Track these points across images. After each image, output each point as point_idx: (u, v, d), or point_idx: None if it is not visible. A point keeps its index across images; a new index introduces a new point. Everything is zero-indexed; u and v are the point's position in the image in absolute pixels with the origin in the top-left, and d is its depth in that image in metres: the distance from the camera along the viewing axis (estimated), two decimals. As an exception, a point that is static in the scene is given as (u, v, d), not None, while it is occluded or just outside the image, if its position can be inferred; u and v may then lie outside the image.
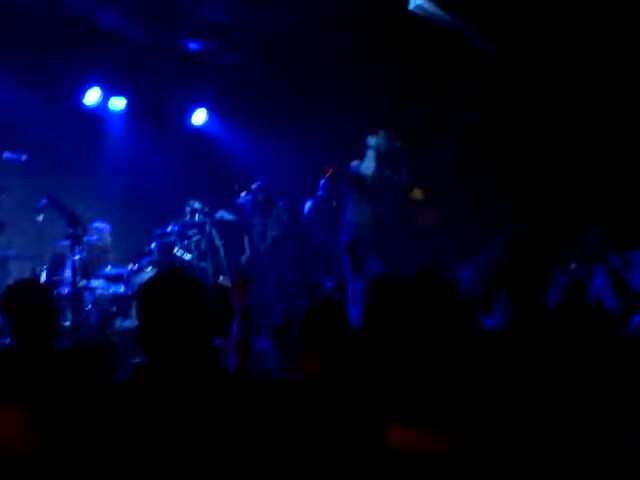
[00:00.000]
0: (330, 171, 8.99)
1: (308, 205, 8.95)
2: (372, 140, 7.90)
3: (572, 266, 5.22)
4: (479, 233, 8.53)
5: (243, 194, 9.19)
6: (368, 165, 7.82)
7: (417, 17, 6.78)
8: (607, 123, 8.10)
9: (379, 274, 4.98)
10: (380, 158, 7.90)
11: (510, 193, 8.96)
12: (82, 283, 7.12)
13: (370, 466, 1.87)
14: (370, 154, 7.88)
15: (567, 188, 8.54)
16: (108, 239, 8.09)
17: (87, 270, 7.23)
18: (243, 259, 8.48)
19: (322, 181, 8.93)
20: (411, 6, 6.62)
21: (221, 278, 5.57)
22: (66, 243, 6.74)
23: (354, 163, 7.83)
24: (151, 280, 2.71)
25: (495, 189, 8.99)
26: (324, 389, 2.81)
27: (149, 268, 7.75)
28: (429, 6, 6.64)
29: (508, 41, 7.68)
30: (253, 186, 8.50)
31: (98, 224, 8.06)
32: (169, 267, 5.87)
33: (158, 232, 8.35)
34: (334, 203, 9.25)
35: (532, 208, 8.56)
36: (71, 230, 6.59)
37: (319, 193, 8.95)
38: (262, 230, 8.50)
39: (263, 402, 2.51)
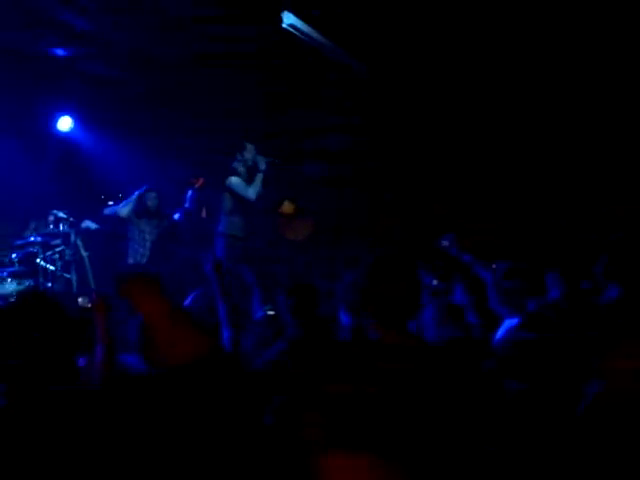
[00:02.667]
0: (200, 182, 8.97)
1: (176, 217, 8.89)
2: (241, 154, 7.93)
3: (434, 282, 5.38)
4: (348, 247, 8.74)
5: (110, 203, 9.01)
6: (237, 179, 7.84)
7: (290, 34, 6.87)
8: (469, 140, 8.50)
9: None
10: (249, 172, 7.94)
11: (377, 208, 9.24)
12: None
13: None
14: (240, 168, 7.90)
15: (433, 203, 8.90)
16: None
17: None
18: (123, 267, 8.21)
19: (189, 193, 8.90)
20: (284, 24, 6.70)
21: (80, 300, 5.45)
22: None
23: (233, 179, 7.83)
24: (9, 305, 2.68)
25: (365, 203, 9.24)
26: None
27: (9, 279, 7.48)
28: (301, 25, 6.75)
29: (376, 65, 7.94)
30: (138, 192, 8.29)
31: None
32: (29, 290, 5.59)
33: (19, 242, 8.06)
34: (203, 214, 9.22)
35: (399, 222, 8.86)
36: None
37: (186, 205, 8.92)
38: (143, 238, 8.30)
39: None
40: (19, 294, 3.25)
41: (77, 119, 9.39)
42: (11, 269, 7.62)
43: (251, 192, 7.81)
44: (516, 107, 8.15)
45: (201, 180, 9.00)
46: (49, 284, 7.97)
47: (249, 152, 7.96)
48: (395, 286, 2.73)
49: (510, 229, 8.21)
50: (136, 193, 8.30)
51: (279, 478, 2.11)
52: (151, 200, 8.24)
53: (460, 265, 5.59)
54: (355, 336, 4.35)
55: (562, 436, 2.64)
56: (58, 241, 8.40)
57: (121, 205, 8.36)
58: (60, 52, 8.05)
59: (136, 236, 8.20)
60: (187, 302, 4.99)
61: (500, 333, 4.15)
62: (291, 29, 6.79)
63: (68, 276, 8.42)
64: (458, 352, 3.65)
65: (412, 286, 2.82)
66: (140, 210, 8.22)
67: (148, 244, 8.23)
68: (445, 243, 5.93)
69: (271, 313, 5.76)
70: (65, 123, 9.34)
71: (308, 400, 1.77)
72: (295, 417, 2.08)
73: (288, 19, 6.70)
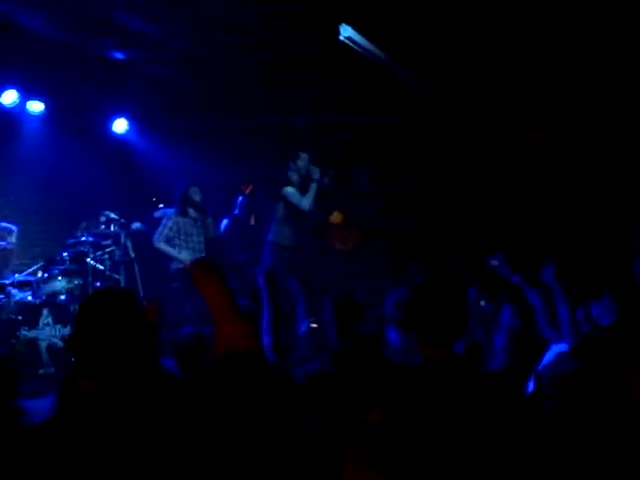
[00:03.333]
0: (249, 189, 9.02)
1: (224, 223, 8.93)
2: (295, 163, 7.94)
3: (481, 303, 5.31)
4: (395, 259, 8.71)
5: (161, 206, 9.09)
6: (293, 189, 7.85)
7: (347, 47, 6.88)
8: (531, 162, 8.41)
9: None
10: (303, 181, 7.94)
11: (426, 220, 9.18)
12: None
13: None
14: (293, 176, 7.91)
15: (482, 218, 8.81)
16: (14, 241, 7.89)
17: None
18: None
19: (239, 199, 8.94)
20: (341, 37, 6.70)
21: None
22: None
23: (288, 188, 7.82)
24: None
25: (413, 216, 9.19)
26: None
27: (60, 277, 7.59)
28: (359, 39, 6.74)
29: (433, 80, 7.90)
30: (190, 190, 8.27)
31: (6, 225, 7.87)
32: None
33: (70, 241, 8.17)
34: (252, 221, 9.26)
35: (447, 236, 8.79)
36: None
37: (236, 211, 8.96)
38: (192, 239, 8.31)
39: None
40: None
41: (133, 122, 9.52)
42: (62, 267, 7.72)
43: (305, 202, 7.81)
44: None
45: (251, 187, 9.04)
46: (97, 283, 8.07)
47: (302, 161, 7.96)
48: (443, 305, 2.71)
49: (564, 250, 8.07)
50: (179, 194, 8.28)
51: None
52: (196, 194, 8.22)
53: (509, 286, 5.51)
54: (399, 356, 4.32)
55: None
56: (108, 241, 8.49)
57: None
58: (119, 55, 8.17)
59: (182, 235, 8.18)
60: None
61: (547, 358, 4.08)
62: (348, 42, 6.79)
63: (117, 277, 8.51)
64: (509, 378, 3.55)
65: (460, 306, 2.81)
66: (183, 207, 8.19)
67: (196, 245, 8.24)
68: (495, 263, 5.84)
69: (314, 326, 5.75)
70: (121, 125, 9.49)
71: (342, 421, 1.76)
72: (329, 435, 2.07)
73: (345, 32, 6.69)
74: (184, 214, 8.15)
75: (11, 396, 3.19)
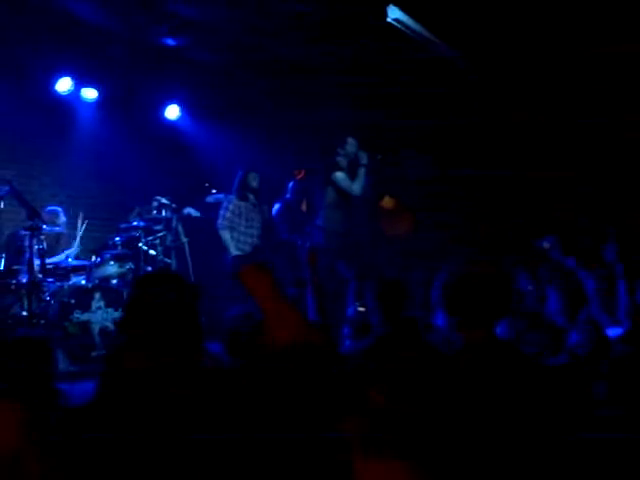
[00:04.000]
0: (301, 174, 8.99)
1: (276, 207, 8.94)
2: (343, 148, 7.90)
3: (528, 287, 5.21)
4: (446, 245, 8.60)
5: (213, 191, 9.16)
6: (343, 174, 7.82)
7: (394, 29, 6.79)
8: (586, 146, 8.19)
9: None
10: (351, 166, 7.90)
11: (477, 208, 9.04)
12: (41, 274, 7.05)
13: None
14: (342, 162, 7.87)
15: (532, 202, 8.63)
16: (62, 222, 8.05)
17: (45, 261, 7.15)
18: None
19: (291, 184, 8.94)
20: (389, 18, 6.62)
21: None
22: (25, 233, 6.73)
23: (338, 174, 7.80)
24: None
25: (463, 204, 9.06)
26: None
27: (112, 262, 7.70)
28: (407, 19, 6.66)
29: (482, 62, 7.76)
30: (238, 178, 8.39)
31: (52, 208, 8.05)
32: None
33: (123, 225, 8.28)
34: (303, 207, 9.24)
35: (497, 224, 8.63)
36: (29, 222, 6.59)
37: (287, 196, 8.96)
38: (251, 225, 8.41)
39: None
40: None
41: (184, 108, 9.59)
42: (114, 252, 7.82)
43: (356, 187, 7.78)
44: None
45: (303, 172, 9.02)
46: (149, 268, 8.17)
47: (351, 146, 7.92)
48: (484, 286, 2.68)
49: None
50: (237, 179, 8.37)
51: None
52: (255, 180, 8.35)
53: (558, 269, 5.40)
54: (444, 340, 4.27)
55: None
56: (160, 227, 8.60)
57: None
58: (171, 42, 8.22)
59: (243, 221, 8.27)
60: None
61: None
62: (396, 23, 6.70)
63: (168, 261, 8.62)
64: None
65: (502, 287, 2.76)
66: (243, 192, 8.30)
67: (256, 230, 8.33)
68: (546, 245, 5.71)
69: (362, 309, 5.72)
70: (173, 111, 9.57)
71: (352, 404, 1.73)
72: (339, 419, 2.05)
73: (393, 13, 6.61)
74: (244, 199, 8.27)
75: (47, 376, 3.23)
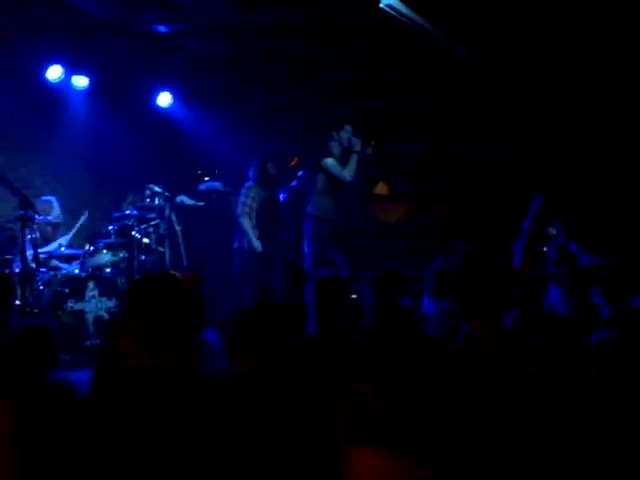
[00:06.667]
0: (295, 161, 8.94)
1: (282, 197, 8.85)
2: (337, 134, 7.87)
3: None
4: (439, 234, 8.58)
5: (206, 179, 9.13)
6: (333, 160, 7.79)
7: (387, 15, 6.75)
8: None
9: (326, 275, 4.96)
10: (344, 152, 7.88)
11: (473, 196, 9.02)
12: (34, 264, 7.02)
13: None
14: (335, 148, 7.85)
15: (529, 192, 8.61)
16: (56, 213, 8.01)
17: (37, 250, 7.12)
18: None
19: (300, 172, 8.75)
20: (382, 4, 6.58)
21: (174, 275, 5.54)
22: (17, 223, 6.69)
23: (329, 160, 7.78)
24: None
25: (455, 190, 9.04)
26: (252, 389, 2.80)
27: (105, 250, 7.68)
28: (399, 5, 6.62)
29: (477, 47, 7.72)
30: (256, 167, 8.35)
31: (46, 199, 8.01)
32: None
33: (116, 214, 8.25)
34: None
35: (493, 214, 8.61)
36: (21, 212, 6.54)
37: (294, 183, 8.78)
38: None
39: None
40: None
41: (176, 95, 9.54)
42: (107, 240, 7.80)
43: (347, 173, 7.77)
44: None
45: (297, 159, 8.96)
46: (143, 257, 8.15)
47: (346, 132, 7.90)
48: (490, 277, 2.68)
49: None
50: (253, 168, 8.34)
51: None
52: (273, 169, 8.38)
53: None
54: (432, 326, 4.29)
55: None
56: (153, 215, 8.57)
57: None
58: (162, 29, 8.18)
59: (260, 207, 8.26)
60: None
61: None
62: (388, 9, 6.67)
63: (162, 249, 8.60)
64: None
65: (507, 278, 2.76)
66: (265, 182, 8.32)
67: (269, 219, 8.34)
68: (552, 230, 5.74)
69: (354, 296, 5.72)
70: (165, 99, 9.50)
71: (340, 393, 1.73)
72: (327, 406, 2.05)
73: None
74: (265, 187, 8.31)
75: (49, 365, 3.23)
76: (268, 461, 2.40)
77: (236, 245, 8.30)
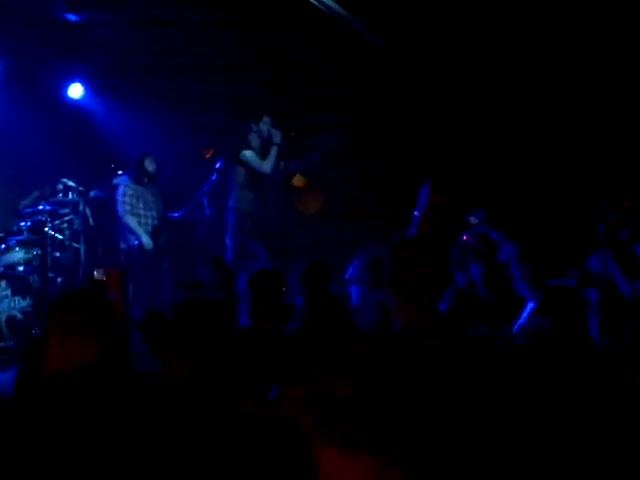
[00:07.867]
0: (210, 153, 8.77)
1: (205, 189, 8.62)
2: (257, 126, 7.81)
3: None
4: (360, 225, 8.61)
5: (120, 172, 8.88)
6: (252, 153, 7.71)
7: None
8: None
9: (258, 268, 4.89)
10: (264, 144, 7.82)
11: (392, 186, 9.06)
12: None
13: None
14: (254, 140, 7.78)
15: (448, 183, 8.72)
16: None
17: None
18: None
19: (218, 164, 8.54)
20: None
21: (96, 273, 5.31)
22: None
23: (247, 153, 7.67)
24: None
25: (376, 181, 9.07)
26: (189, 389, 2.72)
27: (17, 248, 7.42)
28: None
29: (398, 40, 7.77)
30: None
31: None
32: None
33: (27, 210, 7.97)
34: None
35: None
36: None
37: (213, 177, 8.57)
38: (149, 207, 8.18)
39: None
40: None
41: (88, 87, 9.25)
42: (19, 237, 7.55)
43: (266, 166, 7.72)
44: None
45: (212, 151, 8.81)
46: (57, 253, 7.90)
47: (265, 124, 7.85)
48: (423, 266, 2.67)
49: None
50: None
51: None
52: (151, 164, 8.11)
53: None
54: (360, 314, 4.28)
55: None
56: (67, 210, 8.31)
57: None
58: (72, 17, 7.93)
59: (141, 204, 8.02)
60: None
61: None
62: (313, 1, 6.65)
63: (77, 246, 8.34)
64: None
65: (441, 267, 2.77)
66: (140, 176, 8.06)
67: (154, 212, 8.09)
68: (474, 220, 5.82)
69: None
70: (76, 90, 9.20)
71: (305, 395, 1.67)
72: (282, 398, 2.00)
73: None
74: (141, 183, 8.07)
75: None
76: (217, 464, 2.34)
77: (123, 246, 8.04)
